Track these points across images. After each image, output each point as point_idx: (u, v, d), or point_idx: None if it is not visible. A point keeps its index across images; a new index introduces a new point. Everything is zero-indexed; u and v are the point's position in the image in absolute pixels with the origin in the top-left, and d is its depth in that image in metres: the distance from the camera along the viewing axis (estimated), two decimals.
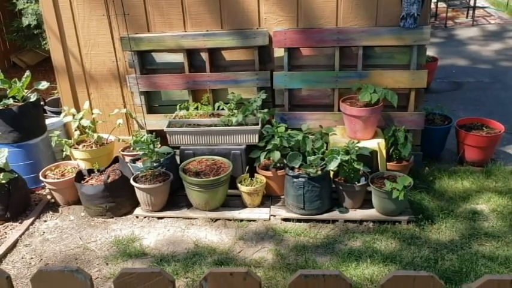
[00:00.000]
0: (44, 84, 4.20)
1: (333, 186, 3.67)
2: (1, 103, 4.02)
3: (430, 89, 5.92)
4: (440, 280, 1.22)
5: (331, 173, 3.66)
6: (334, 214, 3.59)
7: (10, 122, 3.96)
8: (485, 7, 10.42)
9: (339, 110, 4.01)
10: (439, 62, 6.29)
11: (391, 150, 3.95)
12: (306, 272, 1.17)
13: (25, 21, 6.56)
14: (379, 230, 3.43)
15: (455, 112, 5.05)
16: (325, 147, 3.71)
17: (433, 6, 9.43)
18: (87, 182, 3.83)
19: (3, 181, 3.64)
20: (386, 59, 4.00)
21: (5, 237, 3.59)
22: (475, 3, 9.28)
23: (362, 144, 3.68)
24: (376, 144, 3.79)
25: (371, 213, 3.57)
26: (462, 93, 5.98)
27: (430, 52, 6.33)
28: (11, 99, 4.08)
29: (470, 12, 9.50)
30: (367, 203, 3.62)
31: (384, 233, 3.40)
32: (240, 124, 3.88)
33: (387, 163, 3.88)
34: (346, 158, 3.50)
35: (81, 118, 4.15)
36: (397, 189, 3.33)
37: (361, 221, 3.54)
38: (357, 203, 3.62)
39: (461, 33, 8.70)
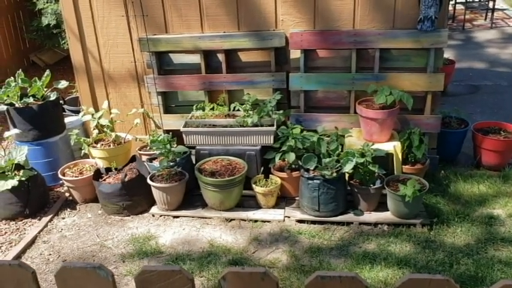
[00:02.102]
0: (63, 84, 4.28)
1: (348, 188, 3.67)
2: (21, 101, 4.10)
3: (446, 92, 5.87)
4: (456, 284, 1.23)
5: (347, 175, 3.67)
6: (349, 216, 3.59)
7: (30, 121, 4.04)
8: (504, 9, 10.30)
9: (355, 112, 4.01)
10: (456, 64, 6.24)
11: (406, 153, 3.93)
12: (323, 273, 1.18)
13: (45, 21, 6.68)
14: (393, 233, 3.43)
15: (472, 115, 5.01)
16: (340, 149, 3.71)
17: (450, 8, 9.36)
18: (104, 180, 3.89)
19: (22, 178, 3.71)
20: (403, 62, 3.99)
21: (24, 233, 3.67)
22: (494, 5, 9.18)
23: (378, 146, 3.68)
24: (392, 147, 3.79)
25: (386, 216, 3.56)
26: (479, 97, 5.93)
27: (447, 54, 6.28)
28: (31, 97, 4.16)
29: (489, 14, 9.40)
30: (382, 206, 3.62)
31: (398, 236, 3.39)
32: (255, 125, 3.91)
33: (403, 166, 3.87)
34: (362, 160, 3.51)
35: (99, 117, 4.22)
36: (407, 194, 3.31)
37: (375, 224, 3.54)
38: (371, 205, 3.62)
39: (480, 35, 8.61)
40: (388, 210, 3.58)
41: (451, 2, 9.18)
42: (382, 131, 3.83)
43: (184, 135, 3.97)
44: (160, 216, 3.78)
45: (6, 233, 3.68)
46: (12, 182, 3.65)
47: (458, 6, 10.00)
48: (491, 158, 4.20)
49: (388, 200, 3.55)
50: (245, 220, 3.67)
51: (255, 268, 1.21)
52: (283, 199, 3.85)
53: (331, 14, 3.95)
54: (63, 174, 4.03)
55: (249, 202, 3.84)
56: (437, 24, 3.79)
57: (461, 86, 6.29)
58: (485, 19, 9.54)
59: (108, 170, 3.99)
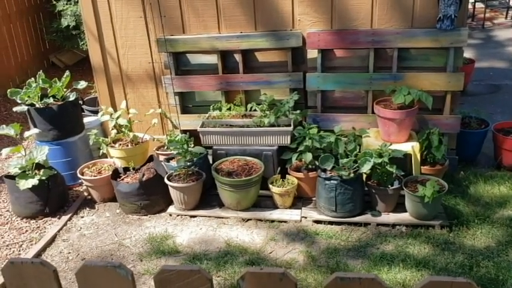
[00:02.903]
0: (82, 84, 4.33)
1: (366, 189, 3.65)
2: (42, 102, 4.16)
3: (466, 91, 5.79)
4: (478, 287, 1.21)
5: (364, 176, 3.64)
6: (367, 217, 3.56)
7: (50, 121, 4.10)
8: None
9: (373, 112, 3.97)
10: (476, 64, 6.15)
11: (425, 154, 3.89)
12: (342, 274, 1.18)
13: (64, 22, 6.78)
14: (412, 235, 3.39)
15: (492, 116, 4.92)
16: (358, 150, 3.69)
17: (470, 6, 9.21)
18: (122, 179, 3.93)
19: (43, 177, 3.77)
20: (422, 61, 3.94)
21: (44, 232, 3.72)
22: None
23: (396, 147, 3.65)
24: (411, 147, 3.75)
25: (404, 217, 3.53)
26: (500, 96, 5.83)
27: (467, 54, 6.19)
28: (51, 98, 4.22)
29: (510, 12, 9.23)
30: (400, 207, 3.58)
31: (417, 238, 3.35)
32: (272, 125, 3.91)
33: (421, 167, 3.83)
34: (379, 160, 3.48)
35: (118, 117, 4.26)
36: (426, 195, 3.27)
37: (393, 225, 3.50)
38: (389, 206, 3.58)
39: (500, 34, 8.46)
40: (406, 211, 3.54)
41: (470, 0, 9.04)
42: (400, 131, 3.80)
43: (201, 135, 3.99)
44: (178, 215, 3.80)
45: (26, 231, 3.74)
46: (33, 181, 3.71)
47: (478, 5, 9.85)
48: None
49: (406, 201, 3.51)
50: (262, 220, 3.67)
51: (273, 268, 1.21)
52: (299, 199, 3.84)
53: (348, 13, 3.93)
54: (82, 174, 4.08)
55: (265, 202, 3.84)
56: (457, 23, 3.74)
57: (481, 86, 6.19)
58: (506, 17, 9.38)
59: (126, 169, 4.03)
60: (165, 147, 4.32)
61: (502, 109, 5.39)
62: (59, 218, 3.87)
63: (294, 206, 3.78)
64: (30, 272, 1.33)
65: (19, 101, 4.18)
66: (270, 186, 3.73)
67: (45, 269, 1.32)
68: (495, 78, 6.45)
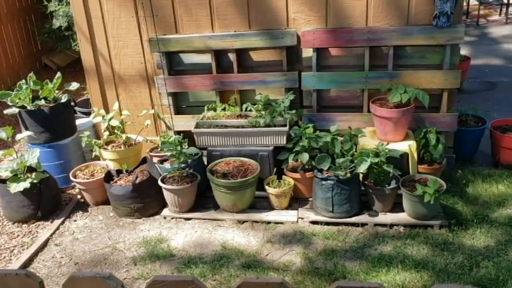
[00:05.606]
0: (74, 85, 4.26)
1: (363, 189, 3.60)
2: (33, 104, 4.09)
3: (462, 89, 5.75)
4: None
5: (361, 176, 3.59)
6: (364, 218, 3.51)
7: (42, 123, 4.03)
8: None
9: (369, 111, 3.93)
10: (472, 61, 6.12)
11: (422, 153, 3.85)
12: (343, 283, 1.12)
13: (56, 23, 6.68)
14: (410, 235, 3.35)
15: (489, 113, 4.89)
16: (354, 149, 3.64)
17: (464, 3, 9.20)
18: (115, 182, 3.86)
19: (35, 181, 3.70)
20: (418, 59, 3.90)
21: (36, 236, 3.65)
22: (508, 0, 9.00)
23: (393, 146, 3.60)
24: (407, 146, 3.70)
25: (402, 217, 3.48)
26: (496, 94, 5.81)
27: (462, 51, 6.13)
28: (42, 100, 4.15)
29: (504, 9, 9.22)
30: (397, 207, 3.54)
31: (415, 238, 3.31)
32: (267, 125, 3.85)
33: (418, 166, 3.78)
34: (376, 160, 3.43)
35: (110, 119, 4.19)
36: (429, 193, 3.23)
37: (391, 225, 3.46)
38: (387, 206, 3.54)
39: (495, 31, 8.45)
40: (403, 211, 3.50)
41: None
42: (397, 130, 3.75)
43: (195, 136, 3.93)
44: (172, 218, 3.74)
45: (18, 235, 3.67)
46: (25, 185, 3.63)
47: (472, 2, 9.83)
48: (510, 157, 4.09)
49: (404, 200, 3.47)
50: (258, 222, 3.61)
51: (271, 278, 1.15)
52: (296, 200, 3.79)
53: (343, 11, 3.88)
54: (75, 177, 4.01)
55: (261, 203, 3.78)
56: (453, 19, 3.70)
57: (477, 83, 6.17)
58: (500, 14, 9.37)
59: (119, 172, 3.97)
60: (159, 149, 4.25)
61: (499, 106, 5.36)
62: (52, 222, 3.80)
63: (290, 207, 3.73)
64: (14, 284, 1.27)
65: (10, 103, 4.11)
66: (266, 187, 3.68)
67: (31, 281, 1.26)
68: (491, 75, 6.42)
